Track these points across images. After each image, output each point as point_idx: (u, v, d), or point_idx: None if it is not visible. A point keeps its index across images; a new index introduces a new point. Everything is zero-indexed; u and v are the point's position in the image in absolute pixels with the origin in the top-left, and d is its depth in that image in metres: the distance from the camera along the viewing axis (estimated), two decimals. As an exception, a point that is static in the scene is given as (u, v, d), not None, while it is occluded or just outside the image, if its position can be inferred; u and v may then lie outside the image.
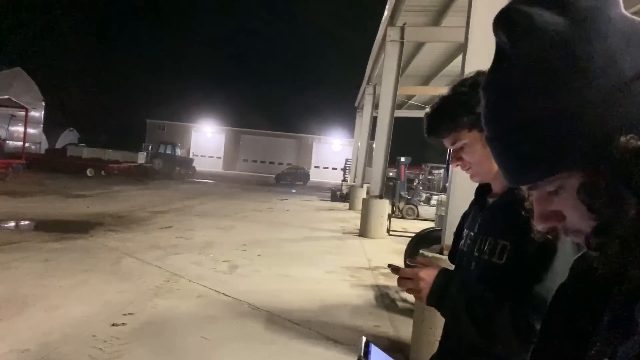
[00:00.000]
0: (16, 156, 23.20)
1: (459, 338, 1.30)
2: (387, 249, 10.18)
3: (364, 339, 1.00)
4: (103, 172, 26.16)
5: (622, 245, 0.49)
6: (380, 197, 12.17)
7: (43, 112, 36.80)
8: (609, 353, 0.51)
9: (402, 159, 17.75)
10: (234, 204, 17.56)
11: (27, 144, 25.97)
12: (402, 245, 8.16)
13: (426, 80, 18.42)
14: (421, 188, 19.73)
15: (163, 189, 21.30)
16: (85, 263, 6.83)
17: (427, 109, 1.36)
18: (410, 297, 5.18)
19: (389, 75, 11.78)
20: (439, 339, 1.46)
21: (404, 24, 11.54)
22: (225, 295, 5.85)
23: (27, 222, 10.20)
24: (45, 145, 37.84)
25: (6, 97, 24.29)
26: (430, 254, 3.82)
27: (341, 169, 35.53)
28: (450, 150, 1.37)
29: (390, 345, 4.66)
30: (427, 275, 1.26)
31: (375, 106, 15.85)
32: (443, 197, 12.26)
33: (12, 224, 10.02)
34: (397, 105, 14.39)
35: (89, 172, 25.66)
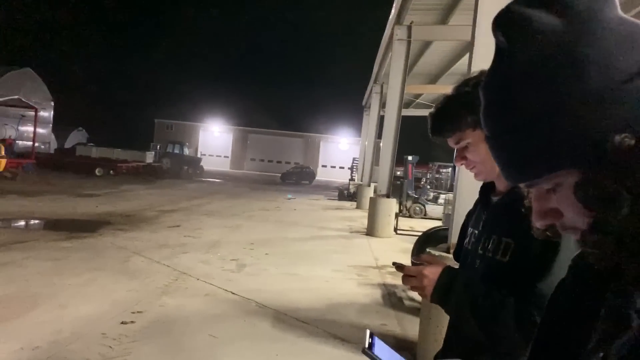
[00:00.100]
0: (26, 156, 23.49)
1: (463, 335, 1.31)
2: (394, 248, 10.16)
3: (368, 332, 1.02)
4: (112, 171, 26.33)
5: (617, 241, 0.50)
6: (388, 196, 12.13)
7: (52, 112, 37.10)
8: (604, 348, 0.52)
9: (410, 157, 17.72)
10: (242, 203, 17.61)
11: (36, 144, 26.29)
12: (410, 244, 8.16)
13: (433, 79, 18.36)
14: (429, 187, 19.71)
15: (171, 188, 21.40)
16: (94, 262, 6.89)
17: (431, 109, 1.38)
18: (417, 296, 5.18)
19: (396, 74, 11.76)
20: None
21: (411, 22, 11.52)
22: (233, 293, 5.88)
23: (36, 221, 10.30)
24: (54, 144, 38.22)
25: (16, 97, 24.57)
26: (436, 253, 3.83)
27: (348, 168, 35.51)
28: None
29: (397, 343, 4.65)
30: (431, 273, 1.26)
31: (383, 105, 15.81)
32: (450, 195, 12.24)
33: (22, 223, 10.13)
34: (405, 104, 14.39)
35: (97, 171, 25.83)
